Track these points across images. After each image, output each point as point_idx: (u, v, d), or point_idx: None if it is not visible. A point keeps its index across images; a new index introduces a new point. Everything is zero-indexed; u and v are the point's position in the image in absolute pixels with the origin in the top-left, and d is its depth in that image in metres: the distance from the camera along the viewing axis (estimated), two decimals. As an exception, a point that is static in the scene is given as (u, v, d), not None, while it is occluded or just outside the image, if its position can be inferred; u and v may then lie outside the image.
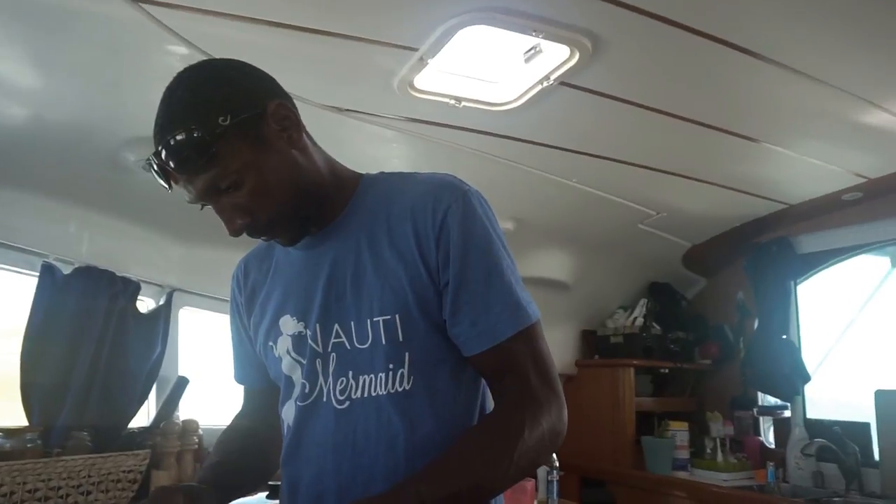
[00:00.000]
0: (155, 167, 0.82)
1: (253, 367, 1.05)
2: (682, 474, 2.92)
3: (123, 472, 1.92)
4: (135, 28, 1.37)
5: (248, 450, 1.02)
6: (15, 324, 2.05)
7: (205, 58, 0.91)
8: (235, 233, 0.85)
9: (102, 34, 1.43)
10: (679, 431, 3.02)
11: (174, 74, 0.84)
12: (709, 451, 2.97)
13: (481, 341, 0.85)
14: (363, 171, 0.97)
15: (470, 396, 0.91)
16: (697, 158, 2.29)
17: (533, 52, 1.57)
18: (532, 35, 1.47)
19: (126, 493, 1.91)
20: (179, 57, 1.45)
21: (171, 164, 0.80)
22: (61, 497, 1.80)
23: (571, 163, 2.19)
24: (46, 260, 2.03)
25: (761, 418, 3.16)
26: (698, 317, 3.45)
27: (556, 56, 1.58)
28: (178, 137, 0.78)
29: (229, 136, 0.80)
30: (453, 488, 0.77)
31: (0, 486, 1.70)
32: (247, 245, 1.03)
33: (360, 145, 1.95)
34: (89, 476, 1.86)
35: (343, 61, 1.57)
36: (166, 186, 0.84)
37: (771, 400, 3.07)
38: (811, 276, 3.04)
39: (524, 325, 0.86)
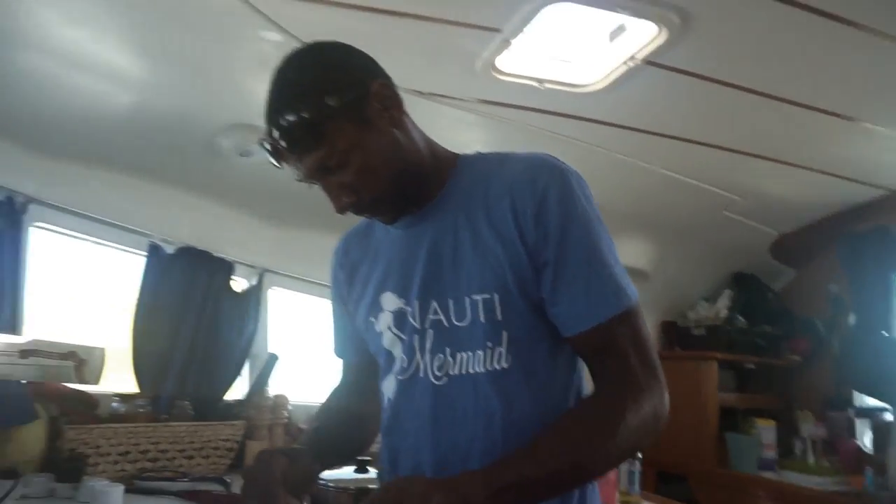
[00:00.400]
0: (267, 147, 0.87)
1: (351, 341, 1.08)
2: (768, 474, 2.80)
3: (222, 440, 2.04)
4: (232, 14, 1.46)
5: (347, 420, 1.06)
6: (125, 301, 2.24)
7: (297, 44, 0.95)
8: (341, 210, 0.89)
9: (202, 22, 1.53)
10: (765, 429, 2.90)
11: (267, 62, 0.88)
12: (798, 452, 2.84)
13: (581, 321, 0.85)
14: None
15: (567, 377, 0.91)
16: (789, 140, 2.19)
17: (618, 30, 1.56)
18: (617, 12, 1.46)
19: (224, 460, 2.04)
20: (274, 44, 1.54)
21: (283, 144, 0.84)
22: (168, 459, 1.94)
23: (655, 146, 2.15)
24: (152, 239, 2.20)
25: (858, 420, 2.97)
26: (786, 310, 3.29)
27: (642, 34, 1.56)
28: (290, 118, 0.82)
29: (336, 117, 0.83)
30: (556, 467, 0.78)
31: (118, 446, 1.86)
32: (334, 229, 1.09)
33: (441, 129, 1.98)
34: (192, 442, 1.99)
35: (427, 44, 1.61)
36: (277, 165, 0.88)
37: (869, 401, 2.89)
38: (915, 268, 2.84)
39: (625, 307, 0.85)
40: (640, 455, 2.00)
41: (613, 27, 1.56)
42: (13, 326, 1.88)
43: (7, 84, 1.71)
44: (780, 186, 2.54)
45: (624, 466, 2.01)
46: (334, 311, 1.12)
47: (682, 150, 2.18)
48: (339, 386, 1.14)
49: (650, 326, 3.27)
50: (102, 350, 1.24)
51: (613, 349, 0.85)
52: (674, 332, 3.34)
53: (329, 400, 1.11)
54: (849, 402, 2.96)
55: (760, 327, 3.18)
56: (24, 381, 1.83)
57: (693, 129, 2.08)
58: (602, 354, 0.86)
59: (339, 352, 1.14)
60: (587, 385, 0.92)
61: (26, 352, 1.19)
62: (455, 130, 2.03)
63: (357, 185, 0.87)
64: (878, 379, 2.75)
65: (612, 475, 1.98)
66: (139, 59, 1.69)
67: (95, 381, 1.22)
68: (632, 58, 1.64)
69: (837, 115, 1.98)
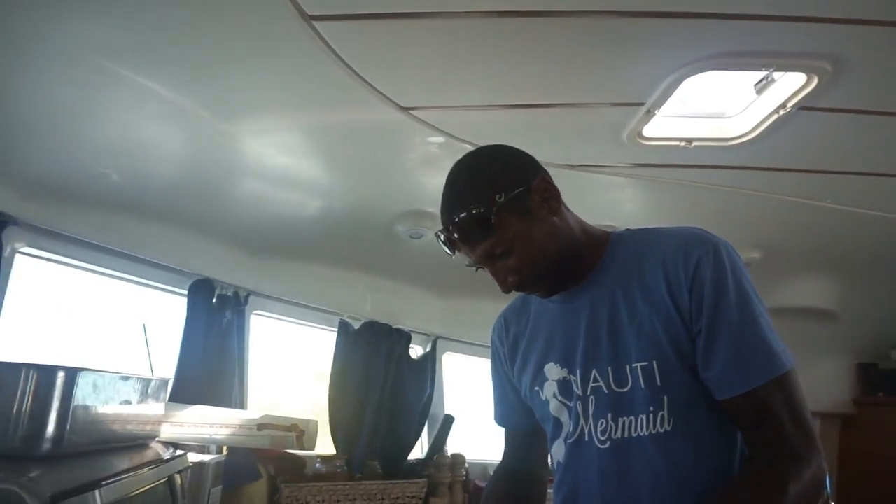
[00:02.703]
0: (443, 239, 0.99)
1: (513, 410, 1.17)
2: None
3: (408, 496, 2.23)
4: (403, 128, 1.68)
5: (516, 498, 1.13)
6: (322, 369, 2.55)
7: (458, 143, 1.11)
8: (507, 290, 1.00)
9: (379, 136, 1.77)
10: None
11: (432, 159, 1.05)
12: None
13: (733, 386, 0.88)
14: (599, 220, 1.08)
15: (731, 437, 0.93)
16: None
17: (764, 82, 1.55)
18: (762, 70, 1.46)
19: (411, 515, 2.21)
20: (438, 145, 1.74)
21: (457, 236, 0.96)
22: (364, 514, 2.16)
23: (821, 183, 2.04)
24: (342, 317, 2.51)
25: None
26: None
27: (791, 83, 1.54)
28: (462, 215, 0.94)
29: (503, 212, 0.94)
30: None
31: (323, 502, 2.12)
32: (497, 298, 1.17)
33: (593, 195, 2.08)
34: (382, 499, 2.20)
35: (574, 124, 1.72)
36: (450, 254, 1.01)
37: None
38: None
39: (778, 373, 0.87)
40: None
41: (759, 80, 1.55)
42: (241, 401, 2.24)
43: (233, 202, 2.11)
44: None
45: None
46: (494, 382, 1.21)
47: (853, 184, 2.04)
48: (504, 457, 1.22)
49: (843, 369, 3.01)
50: (316, 422, 1.49)
51: (767, 416, 0.87)
52: (874, 375, 3.00)
53: (495, 479, 1.18)
54: None
55: None
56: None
57: (861, 161, 1.95)
58: (755, 421, 0.88)
59: (500, 420, 1.22)
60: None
61: (262, 426, 1.46)
62: (607, 194, 2.09)
63: (521, 268, 0.97)
64: None
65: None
66: (326, 170, 2.00)
67: (312, 447, 1.47)
68: (783, 105, 1.61)
69: None
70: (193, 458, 1.30)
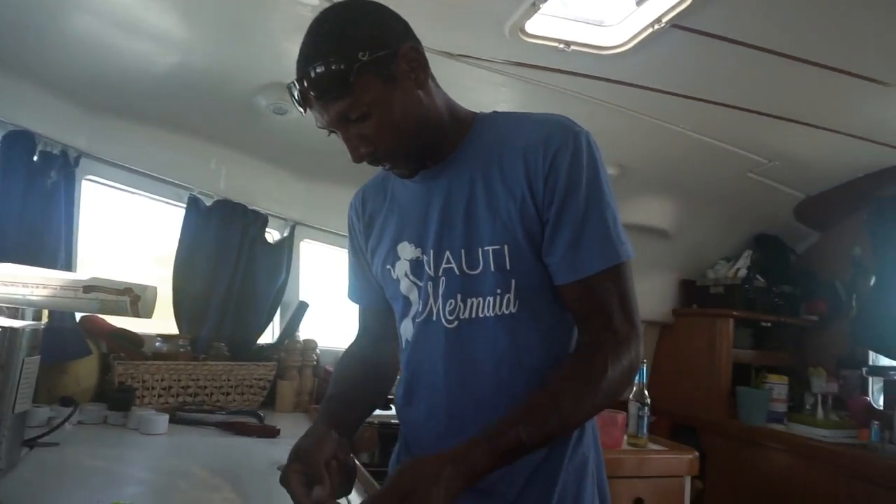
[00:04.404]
0: (295, 93, 0.90)
1: (366, 287, 1.16)
2: (776, 426, 2.89)
3: (255, 378, 2.20)
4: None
5: (365, 378, 1.11)
6: (166, 251, 2.37)
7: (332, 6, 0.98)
8: (358, 160, 0.94)
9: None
10: (777, 384, 2.98)
11: (303, 25, 0.93)
12: (808, 406, 2.92)
13: (569, 272, 0.91)
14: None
15: (572, 324, 0.98)
16: (818, 103, 2.18)
17: (645, -7, 1.57)
18: (645, -24, 1.47)
19: (257, 398, 2.20)
20: (311, 8, 1.58)
21: (312, 92, 0.88)
22: (207, 395, 2.11)
23: (681, 108, 2.16)
24: (192, 192, 2.31)
25: (871, 379, 3.03)
26: (807, 272, 3.31)
27: (669, -2, 1.57)
28: (319, 69, 0.86)
29: (365, 72, 0.87)
30: (548, 428, 0.84)
31: (162, 381, 2.03)
32: (360, 185, 1.15)
33: (469, 90, 2.03)
34: (228, 380, 2.15)
35: (457, 7, 1.64)
36: (301, 111, 0.92)
37: (884, 360, 2.95)
38: (941, 232, 2.83)
39: (613, 263, 0.90)
40: (648, 400, 2.11)
41: (641, -10, 1.57)
42: (67, 270, 2.03)
43: (62, 44, 1.80)
44: (808, 149, 2.53)
45: (633, 410, 2.13)
46: (350, 258, 1.19)
47: (708, 112, 2.19)
48: (357, 336, 1.21)
49: (668, 283, 3.36)
50: (154, 288, 1.35)
51: (599, 305, 0.91)
52: (692, 291, 3.40)
53: (346, 360, 1.17)
54: (863, 361, 3.01)
55: (779, 287, 3.21)
56: (76, 320, 2.00)
57: (720, 91, 2.09)
58: (588, 309, 0.92)
59: (353, 296, 1.21)
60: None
61: (89, 287, 1.30)
62: (483, 91, 2.07)
63: (375, 137, 0.91)
64: (892, 338, 2.79)
65: (619, 418, 2.09)
66: (181, 22, 1.76)
67: (148, 316, 1.33)
68: (658, 20, 1.66)
69: (869, 79, 1.96)
70: (3, 322, 1.15)
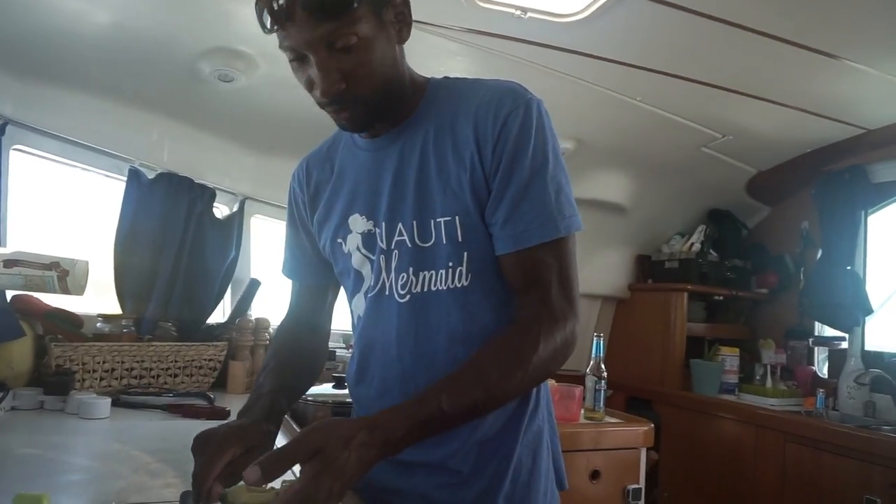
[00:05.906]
0: (275, 2, 0.80)
1: (306, 262, 1.11)
2: (728, 397, 2.97)
3: (205, 359, 2.11)
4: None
5: (300, 358, 1.07)
6: (108, 228, 2.24)
7: None
8: (328, 93, 0.85)
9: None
10: (729, 356, 3.06)
11: None
12: (758, 377, 3.01)
13: (508, 243, 0.88)
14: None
15: None
16: (771, 77, 2.20)
17: (603, -42, 1.54)
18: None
19: (208, 379, 2.12)
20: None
21: (305, 1, 0.79)
22: (153, 377, 2.01)
23: (636, 79, 2.15)
24: (133, 165, 2.19)
25: (816, 349, 3.14)
26: (758, 245, 3.40)
27: (626, -37, 1.54)
28: None
29: (366, 4, 0.82)
30: (471, 399, 0.80)
31: (104, 363, 1.93)
32: None
33: (423, 57, 1.97)
34: (175, 361, 2.06)
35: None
36: (267, 28, 0.83)
37: (828, 331, 3.05)
38: (884, 206, 2.93)
39: (553, 237, 0.87)
40: (605, 374, 2.12)
41: (599, -45, 1.54)
42: (-6, 247, 1.90)
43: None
44: (760, 124, 2.57)
45: (590, 384, 2.14)
46: (289, 231, 1.13)
47: (663, 84, 2.19)
48: (289, 312, 1.15)
49: (625, 259, 3.40)
50: (86, 263, 1.25)
51: (537, 278, 0.88)
52: (647, 266, 3.44)
53: (279, 338, 1.11)
54: (809, 332, 3.12)
55: (732, 261, 3.28)
56: (7, 299, 1.87)
57: (674, 62, 2.08)
58: (526, 283, 0.89)
59: (289, 272, 1.16)
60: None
61: (10, 262, 1.20)
62: (438, 59, 2.01)
63: (350, 75, 0.85)
64: (837, 309, 2.89)
65: (577, 391, 2.10)
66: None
67: (80, 293, 1.24)
68: (616, -12, 1.63)
69: (821, 53, 1.99)
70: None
